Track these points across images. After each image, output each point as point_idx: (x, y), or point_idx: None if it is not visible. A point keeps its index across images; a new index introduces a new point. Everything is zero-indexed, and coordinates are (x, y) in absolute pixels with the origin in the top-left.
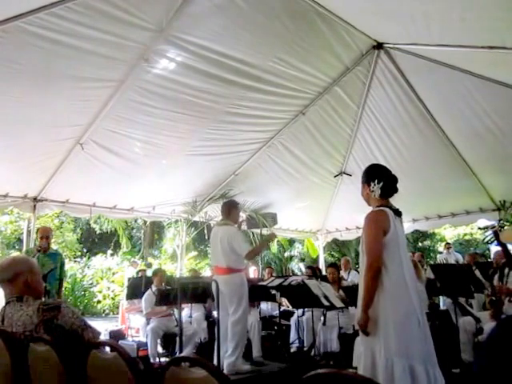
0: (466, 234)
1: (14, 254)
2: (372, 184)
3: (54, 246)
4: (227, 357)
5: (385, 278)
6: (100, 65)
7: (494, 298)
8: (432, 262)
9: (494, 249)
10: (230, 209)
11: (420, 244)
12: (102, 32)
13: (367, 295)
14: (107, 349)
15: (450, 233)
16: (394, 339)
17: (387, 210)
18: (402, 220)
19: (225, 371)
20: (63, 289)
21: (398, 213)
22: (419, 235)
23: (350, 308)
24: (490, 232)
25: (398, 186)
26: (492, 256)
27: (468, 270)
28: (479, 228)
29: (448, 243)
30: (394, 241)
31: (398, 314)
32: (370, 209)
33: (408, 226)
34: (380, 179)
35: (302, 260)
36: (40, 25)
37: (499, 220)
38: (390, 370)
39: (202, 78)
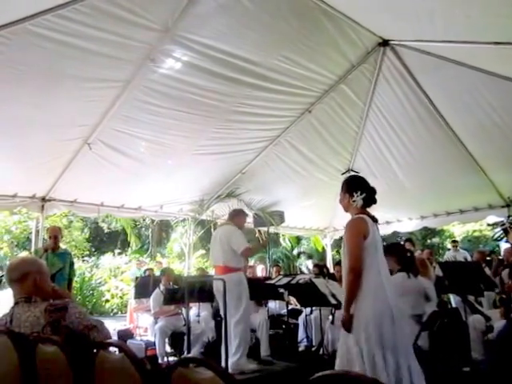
0: (475, 231)
1: (24, 253)
2: (355, 194)
3: (62, 246)
4: (231, 356)
5: (364, 280)
6: (106, 65)
7: (504, 296)
8: (440, 260)
9: (504, 246)
10: (236, 214)
11: (429, 241)
12: (109, 33)
13: (350, 295)
14: (115, 349)
15: (458, 230)
16: (373, 335)
17: (366, 217)
18: (378, 226)
19: (229, 370)
20: (72, 288)
21: (375, 220)
22: (428, 232)
23: None
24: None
25: (404, 182)
26: (502, 253)
27: (477, 268)
28: (488, 225)
29: (455, 240)
30: (372, 245)
31: (376, 312)
32: (378, 206)
33: (416, 223)
34: (362, 190)
35: (310, 257)
36: (47, 26)
37: (508, 216)
38: (372, 362)
39: (207, 77)
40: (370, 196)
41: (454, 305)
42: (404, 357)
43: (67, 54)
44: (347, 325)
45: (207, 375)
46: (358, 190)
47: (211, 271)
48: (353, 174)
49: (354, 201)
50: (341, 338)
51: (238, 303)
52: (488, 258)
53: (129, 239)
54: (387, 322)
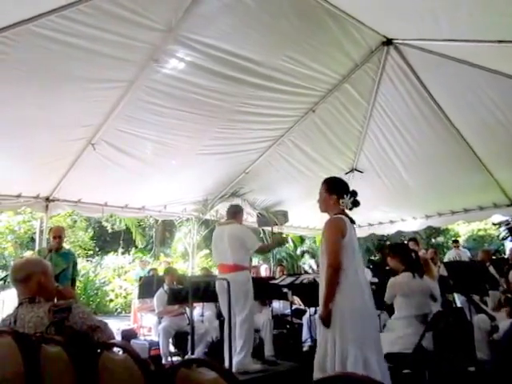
0: (479, 230)
1: (28, 253)
2: (346, 197)
3: (66, 246)
4: (235, 356)
5: (342, 277)
6: (110, 66)
7: (509, 296)
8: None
9: (510, 245)
10: (237, 212)
11: (433, 240)
12: (112, 33)
13: (329, 290)
14: (119, 349)
15: (463, 229)
16: (349, 331)
17: (345, 218)
18: (355, 228)
19: (233, 370)
20: (76, 288)
21: (352, 221)
22: (432, 231)
23: None
24: (504, 228)
25: (408, 182)
26: (507, 252)
27: (482, 267)
28: (493, 224)
29: (456, 240)
30: (349, 245)
31: (354, 309)
32: (382, 206)
33: (421, 223)
34: (351, 194)
35: (313, 257)
36: (51, 27)
37: None
38: (345, 358)
39: (211, 77)
40: (355, 199)
41: (458, 304)
42: (378, 354)
43: (71, 55)
44: (327, 320)
45: (210, 376)
46: (347, 192)
47: (215, 271)
48: (357, 173)
49: (343, 202)
50: (320, 334)
51: (245, 302)
52: (493, 257)
53: (134, 238)
54: (362, 319)
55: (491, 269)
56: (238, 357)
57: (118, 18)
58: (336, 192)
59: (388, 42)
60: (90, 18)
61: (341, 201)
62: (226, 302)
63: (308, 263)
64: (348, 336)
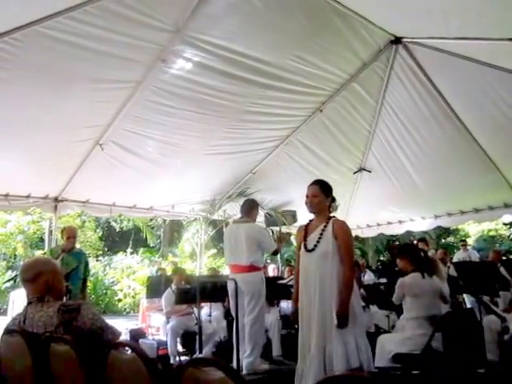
0: (490, 230)
1: (38, 253)
2: (337, 201)
3: (77, 246)
4: (246, 357)
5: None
6: (118, 66)
7: None
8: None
9: None
10: (252, 208)
11: (443, 240)
12: (119, 34)
13: (350, 290)
14: (127, 348)
15: (474, 229)
16: (359, 326)
17: None
18: None
19: (243, 371)
20: (87, 287)
21: None
22: (442, 232)
23: (370, 307)
24: None
25: (417, 181)
26: None
27: (492, 268)
28: (504, 224)
29: (464, 240)
30: None
31: (359, 306)
32: (390, 206)
33: (430, 223)
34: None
35: None
36: (59, 28)
37: None
38: (368, 354)
39: (219, 77)
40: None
41: (468, 305)
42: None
43: (78, 56)
44: (346, 320)
45: (217, 376)
46: (334, 198)
47: (223, 271)
48: (365, 172)
49: (333, 206)
50: (336, 335)
51: (257, 302)
52: (504, 258)
53: (145, 238)
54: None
55: (502, 269)
56: (248, 358)
57: (126, 18)
58: (330, 195)
59: (397, 40)
60: (97, 18)
61: (333, 204)
62: (239, 302)
63: None
64: (358, 330)
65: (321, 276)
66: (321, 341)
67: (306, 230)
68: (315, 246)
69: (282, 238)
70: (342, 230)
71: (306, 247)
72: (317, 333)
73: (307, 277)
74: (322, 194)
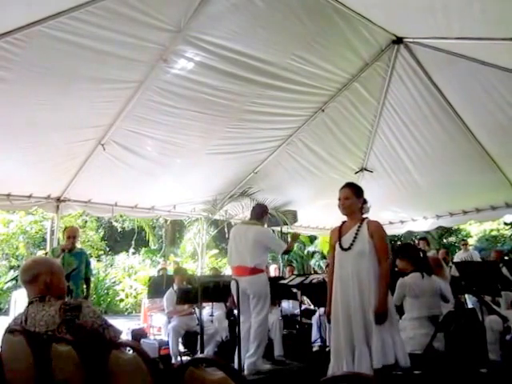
0: (492, 230)
1: (39, 253)
2: (368, 203)
3: (78, 245)
4: (249, 357)
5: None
6: (120, 66)
7: None
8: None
9: None
10: (263, 213)
11: (445, 240)
12: (122, 34)
13: (387, 288)
14: (128, 348)
15: (475, 229)
16: (394, 323)
17: None
18: None
19: (245, 371)
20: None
21: None
22: (444, 231)
23: None
24: None
25: (419, 181)
26: None
27: (494, 267)
28: (506, 224)
29: (464, 239)
30: None
31: (392, 305)
32: (392, 206)
33: (432, 222)
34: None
35: (324, 257)
36: (61, 29)
37: None
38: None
39: (220, 77)
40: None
41: (470, 305)
42: None
43: (81, 56)
44: (385, 317)
45: (218, 375)
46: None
47: (224, 271)
48: (366, 172)
49: (368, 207)
50: (375, 331)
51: (264, 304)
52: (506, 258)
53: (147, 238)
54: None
55: (504, 269)
56: (251, 358)
57: (128, 18)
58: (361, 197)
59: (398, 40)
60: (99, 18)
61: (364, 205)
62: (244, 304)
63: (318, 263)
64: (397, 327)
65: (358, 274)
66: (364, 337)
67: (340, 231)
68: (351, 244)
69: (295, 237)
70: (378, 229)
71: (341, 246)
72: (359, 329)
73: (342, 274)
74: (353, 197)
